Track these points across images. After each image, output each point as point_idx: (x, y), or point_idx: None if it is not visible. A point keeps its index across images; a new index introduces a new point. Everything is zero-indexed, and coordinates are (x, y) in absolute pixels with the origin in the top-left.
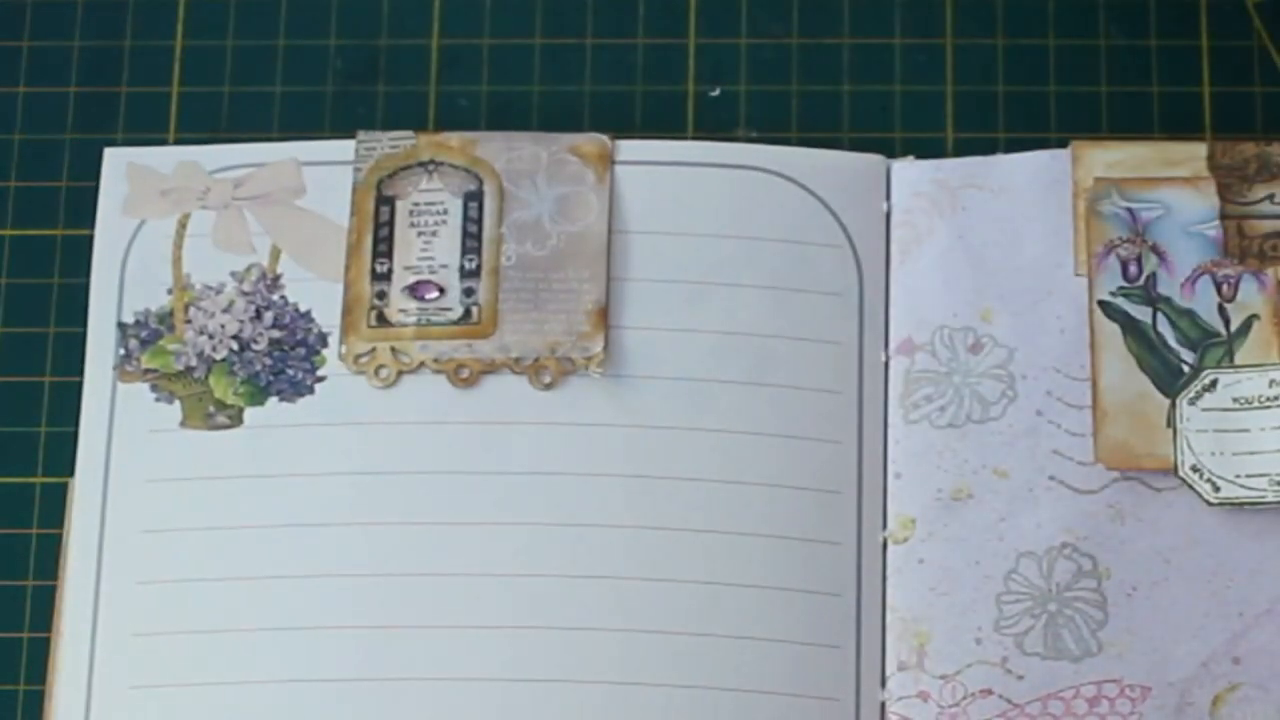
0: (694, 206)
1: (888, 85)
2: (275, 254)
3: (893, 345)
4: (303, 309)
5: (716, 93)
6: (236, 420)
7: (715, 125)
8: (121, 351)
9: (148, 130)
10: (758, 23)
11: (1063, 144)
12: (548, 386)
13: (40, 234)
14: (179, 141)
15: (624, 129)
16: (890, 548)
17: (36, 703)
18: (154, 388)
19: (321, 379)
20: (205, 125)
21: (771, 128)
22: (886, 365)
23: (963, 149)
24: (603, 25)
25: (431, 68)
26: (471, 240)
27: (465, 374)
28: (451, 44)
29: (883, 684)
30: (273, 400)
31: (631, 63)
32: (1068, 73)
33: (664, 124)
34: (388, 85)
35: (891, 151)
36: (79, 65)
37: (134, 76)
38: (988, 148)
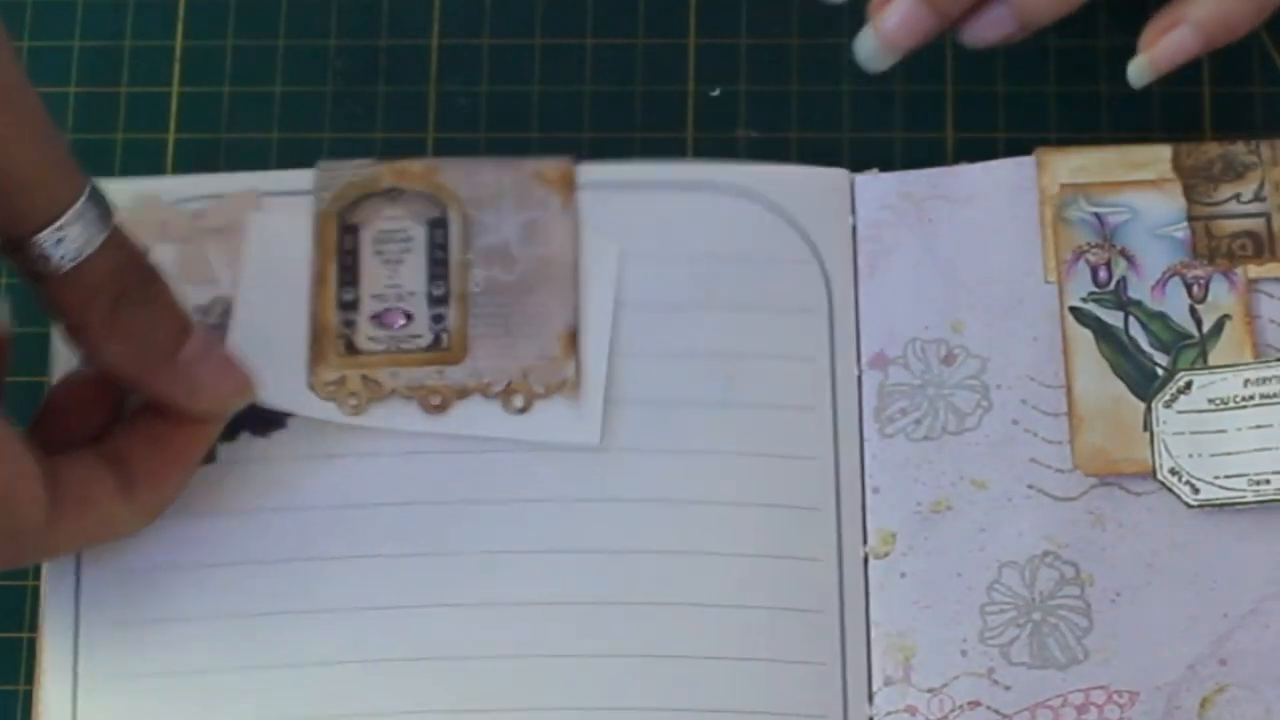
0: (659, 228)
1: (888, 85)
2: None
3: (865, 359)
4: None
5: (716, 93)
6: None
7: (715, 125)
8: None
9: (148, 130)
10: (758, 23)
11: (1062, 144)
12: (520, 411)
13: None
14: (179, 141)
15: (624, 129)
16: (871, 562)
17: None
18: None
19: (292, 413)
20: (205, 125)
21: (771, 128)
22: (860, 380)
23: (963, 149)
24: (603, 25)
25: (431, 68)
26: (439, 267)
27: (437, 400)
28: (451, 44)
29: (870, 699)
30: (245, 435)
31: (631, 63)
32: (1068, 74)
33: (664, 124)
34: (388, 85)
35: (892, 151)
36: (79, 65)
37: (134, 76)
38: (988, 148)
